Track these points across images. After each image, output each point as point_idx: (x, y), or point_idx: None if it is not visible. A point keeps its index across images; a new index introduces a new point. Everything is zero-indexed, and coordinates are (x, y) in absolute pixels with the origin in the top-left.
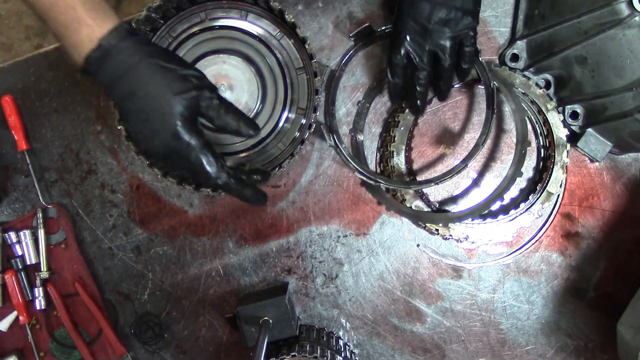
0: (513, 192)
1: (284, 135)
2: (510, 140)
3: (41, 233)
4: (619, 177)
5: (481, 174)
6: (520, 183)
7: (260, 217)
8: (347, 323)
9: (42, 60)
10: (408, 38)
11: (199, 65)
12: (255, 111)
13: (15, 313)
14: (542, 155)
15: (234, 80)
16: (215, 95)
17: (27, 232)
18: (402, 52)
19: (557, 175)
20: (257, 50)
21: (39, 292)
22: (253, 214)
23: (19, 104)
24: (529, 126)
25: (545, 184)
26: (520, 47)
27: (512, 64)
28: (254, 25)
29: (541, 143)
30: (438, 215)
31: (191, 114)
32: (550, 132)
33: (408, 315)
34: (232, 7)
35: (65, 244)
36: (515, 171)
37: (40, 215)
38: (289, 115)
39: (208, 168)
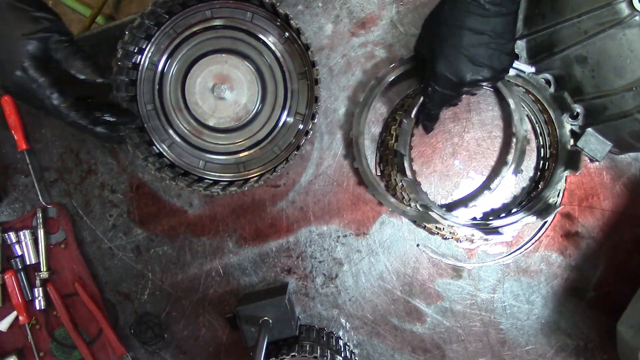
0: (515, 190)
1: (281, 139)
2: (511, 139)
3: (41, 233)
4: (619, 177)
5: (482, 173)
6: (522, 182)
7: (260, 217)
8: (347, 323)
9: None
10: (445, 93)
11: (201, 63)
12: (254, 112)
13: (15, 313)
14: (542, 154)
15: (235, 81)
16: (66, 39)
17: (27, 232)
18: (440, 104)
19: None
20: (260, 52)
21: (38, 292)
22: (253, 214)
23: (19, 104)
24: (529, 125)
25: (548, 182)
26: (520, 46)
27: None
28: (259, 28)
29: (541, 142)
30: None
31: (42, 55)
32: (553, 130)
33: (408, 315)
34: (238, 7)
35: (65, 244)
36: (516, 168)
37: (40, 215)
38: (287, 120)
39: (56, 104)
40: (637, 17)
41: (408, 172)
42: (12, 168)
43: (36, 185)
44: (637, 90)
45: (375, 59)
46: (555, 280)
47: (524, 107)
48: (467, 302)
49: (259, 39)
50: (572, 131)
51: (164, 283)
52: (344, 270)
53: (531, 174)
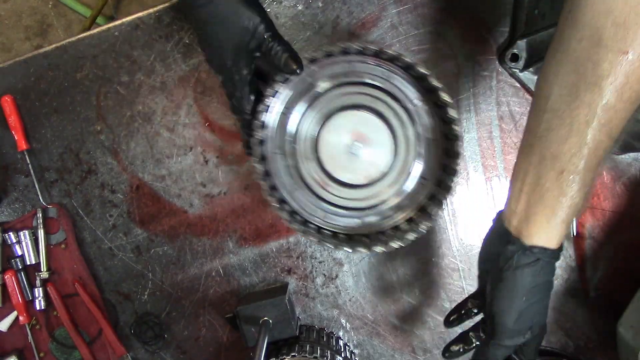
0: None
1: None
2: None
3: (41, 233)
4: (619, 177)
5: (482, 173)
6: None
7: (260, 217)
8: (347, 323)
9: (42, 60)
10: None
11: (338, 117)
12: (384, 173)
13: (15, 313)
14: None
15: (370, 140)
16: (273, 34)
17: (27, 232)
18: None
19: None
20: (396, 113)
21: (38, 292)
22: (253, 214)
23: (19, 104)
24: None
25: None
26: (520, 46)
27: (512, 64)
28: (397, 89)
29: None
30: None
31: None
32: None
33: (408, 316)
34: (377, 65)
35: (65, 244)
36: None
37: (40, 215)
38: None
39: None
40: None
41: None
42: (12, 168)
43: (36, 185)
44: None
45: None
46: (556, 280)
47: None
48: None
49: (397, 100)
50: None
51: (164, 283)
52: (344, 271)
53: None
